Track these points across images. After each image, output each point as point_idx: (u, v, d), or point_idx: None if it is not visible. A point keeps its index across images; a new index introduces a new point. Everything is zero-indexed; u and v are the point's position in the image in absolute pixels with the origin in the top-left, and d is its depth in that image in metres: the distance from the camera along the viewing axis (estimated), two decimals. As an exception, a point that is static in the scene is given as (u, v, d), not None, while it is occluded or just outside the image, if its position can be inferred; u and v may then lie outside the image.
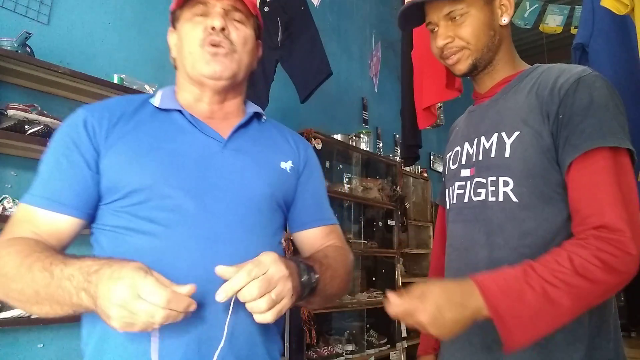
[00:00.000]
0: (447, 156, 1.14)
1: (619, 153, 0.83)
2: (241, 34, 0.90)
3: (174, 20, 0.93)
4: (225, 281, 0.68)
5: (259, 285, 0.66)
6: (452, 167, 1.09)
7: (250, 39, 0.92)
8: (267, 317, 0.68)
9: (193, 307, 0.64)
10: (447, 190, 1.12)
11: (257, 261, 0.69)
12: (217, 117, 0.92)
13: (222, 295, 0.66)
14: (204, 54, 0.86)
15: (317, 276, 0.80)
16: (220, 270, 0.68)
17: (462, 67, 1.00)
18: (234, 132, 0.90)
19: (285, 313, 0.74)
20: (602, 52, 1.96)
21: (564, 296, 0.74)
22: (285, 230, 0.99)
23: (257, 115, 0.98)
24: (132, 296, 0.59)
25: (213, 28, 0.86)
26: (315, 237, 0.98)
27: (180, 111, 0.88)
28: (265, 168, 0.90)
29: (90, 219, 0.82)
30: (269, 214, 0.89)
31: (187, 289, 0.64)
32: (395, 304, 0.77)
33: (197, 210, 0.79)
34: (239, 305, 0.69)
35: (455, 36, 0.97)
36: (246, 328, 0.79)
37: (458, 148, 1.08)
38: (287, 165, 0.95)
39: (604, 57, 1.94)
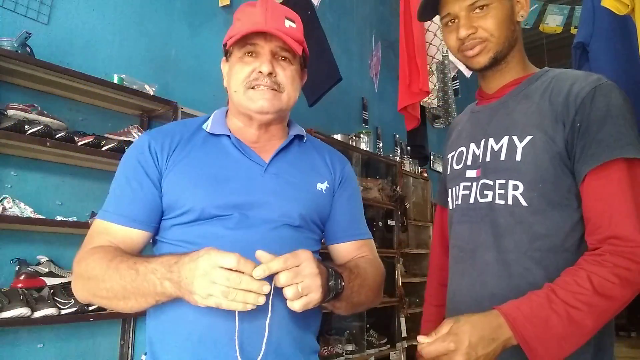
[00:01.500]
0: (450, 156, 1.12)
1: (635, 164, 0.83)
2: (288, 73, 0.96)
3: (226, 53, 1.01)
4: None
5: (286, 274, 0.76)
6: (456, 167, 1.07)
7: (297, 75, 0.99)
8: (295, 305, 0.77)
9: (259, 273, 0.74)
10: (449, 190, 1.10)
11: (294, 253, 0.79)
12: (262, 141, 1.01)
13: (259, 272, 0.74)
14: (249, 94, 0.94)
15: (343, 283, 0.86)
16: (260, 253, 0.77)
17: (483, 59, 0.98)
18: (274, 156, 0.99)
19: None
20: (602, 51, 1.96)
21: (586, 317, 0.77)
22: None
23: (298, 137, 1.06)
24: (211, 266, 0.72)
25: (261, 72, 0.92)
26: (347, 250, 1.05)
27: (228, 136, 0.98)
28: (301, 191, 0.99)
29: (156, 231, 0.96)
30: (303, 230, 0.97)
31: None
32: (427, 346, 0.77)
33: (239, 226, 0.91)
34: (278, 307, 0.82)
35: (478, 27, 0.96)
36: (284, 330, 0.88)
37: (463, 148, 1.06)
38: (322, 186, 1.03)
39: (604, 57, 1.94)
